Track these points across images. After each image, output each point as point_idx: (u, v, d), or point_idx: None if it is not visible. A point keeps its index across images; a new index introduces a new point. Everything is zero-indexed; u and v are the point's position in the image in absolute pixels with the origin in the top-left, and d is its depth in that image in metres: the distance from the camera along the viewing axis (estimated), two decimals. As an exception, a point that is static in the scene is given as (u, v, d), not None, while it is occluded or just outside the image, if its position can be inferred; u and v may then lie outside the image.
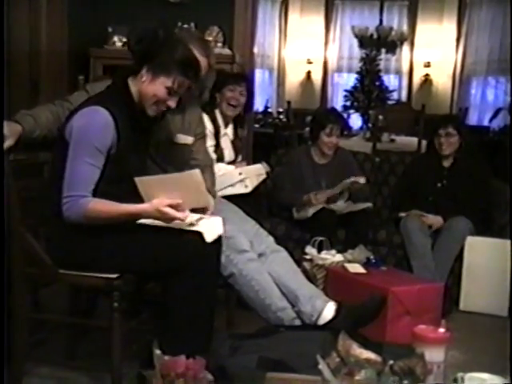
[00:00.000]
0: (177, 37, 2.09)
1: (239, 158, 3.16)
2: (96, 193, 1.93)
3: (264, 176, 3.09)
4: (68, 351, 2.31)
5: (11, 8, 3.22)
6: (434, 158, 3.47)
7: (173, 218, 1.91)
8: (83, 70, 3.90)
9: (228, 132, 3.09)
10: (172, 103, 2.02)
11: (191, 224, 2.00)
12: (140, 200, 1.96)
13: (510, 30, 6.03)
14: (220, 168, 2.94)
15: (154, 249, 1.97)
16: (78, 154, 1.90)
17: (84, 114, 1.93)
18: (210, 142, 2.91)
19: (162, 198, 1.90)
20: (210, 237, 1.97)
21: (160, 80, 1.97)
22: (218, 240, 2.05)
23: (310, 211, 3.27)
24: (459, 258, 3.21)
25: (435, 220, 3.30)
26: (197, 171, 1.95)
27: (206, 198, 2.02)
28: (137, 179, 1.92)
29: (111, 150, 1.94)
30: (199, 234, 1.96)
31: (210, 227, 1.99)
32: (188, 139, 2.43)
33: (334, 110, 4.54)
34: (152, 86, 1.97)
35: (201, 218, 2.02)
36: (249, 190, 2.93)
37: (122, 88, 2.01)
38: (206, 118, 2.89)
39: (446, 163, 3.45)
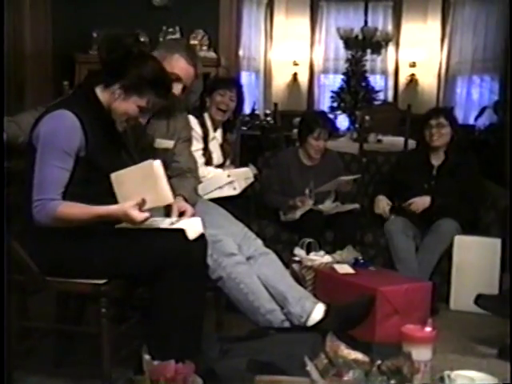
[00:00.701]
0: (149, 52, 2.09)
1: (228, 162, 3.16)
2: (67, 195, 1.93)
3: (252, 179, 3.10)
4: (57, 358, 2.29)
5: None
6: (423, 156, 3.39)
7: (137, 222, 1.90)
8: (68, 75, 3.89)
9: (217, 136, 3.09)
10: (143, 120, 2.08)
11: (171, 223, 2.03)
12: (112, 201, 1.96)
13: (510, 30, 6.05)
14: (209, 171, 2.94)
15: (138, 251, 1.97)
16: (46, 158, 1.90)
17: (50, 118, 1.93)
18: (199, 146, 2.91)
19: (132, 195, 1.90)
20: (192, 234, 1.98)
21: (132, 99, 1.99)
22: (203, 239, 2.06)
23: (298, 213, 3.28)
24: (448, 256, 3.23)
25: (422, 202, 3.26)
26: (157, 161, 1.92)
27: (164, 193, 1.93)
28: (112, 175, 1.93)
29: (80, 152, 1.94)
30: (182, 234, 1.97)
31: (191, 225, 2.01)
32: (169, 143, 2.43)
33: (322, 113, 4.52)
34: (124, 104, 1.99)
35: (180, 219, 2.06)
36: (237, 192, 2.94)
37: (90, 94, 2.01)
38: (194, 122, 2.90)
39: (435, 161, 3.37)
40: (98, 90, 2.02)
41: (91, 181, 1.97)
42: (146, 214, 1.91)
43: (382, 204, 3.37)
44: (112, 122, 2.04)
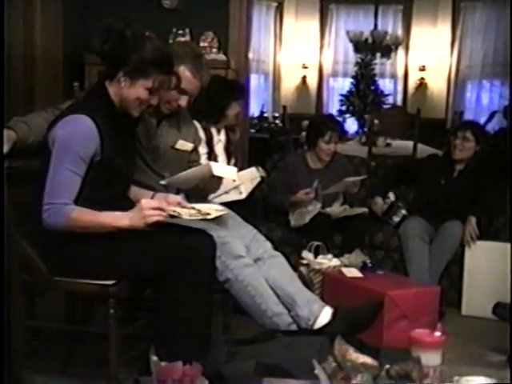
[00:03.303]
0: (142, 33, 2.06)
1: (232, 162, 3.16)
2: (81, 199, 1.92)
3: (258, 179, 3.09)
4: (64, 359, 2.30)
5: (5, 14, 3.22)
6: (447, 159, 3.46)
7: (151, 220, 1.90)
8: (78, 77, 3.90)
9: (221, 138, 3.11)
10: (154, 101, 2.05)
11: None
12: (126, 204, 1.96)
13: (510, 32, 6.03)
14: None
15: (147, 252, 1.97)
16: (61, 162, 1.90)
17: (67, 122, 1.92)
18: (203, 150, 2.92)
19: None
20: (217, 170, 2.09)
21: (139, 83, 1.98)
22: (212, 241, 2.06)
23: (307, 218, 3.27)
24: (458, 261, 3.21)
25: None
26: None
27: None
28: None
29: (95, 157, 1.94)
30: (191, 236, 1.96)
31: (222, 166, 2.16)
32: (189, 146, 2.47)
33: (331, 116, 4.54)
34: (133, 90, 1.98)
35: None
36: (243, 196, 2.93)
37: (102, 93, 2.01)
38: (197, 126, 2.90)
39: (459, 166, 3.44)
40: (107, 84, 2.01)
41: (106, 184, 1.97)
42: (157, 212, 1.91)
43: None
44: (125, 116, 2.03)
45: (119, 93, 1.99)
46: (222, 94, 2.99)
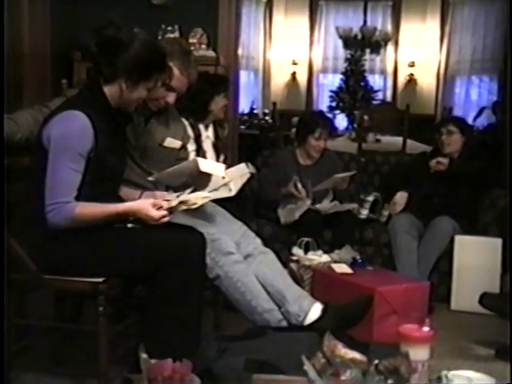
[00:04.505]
0: (136, 33, 2.03)
1: (221, 158, 3.16)
2: (77, 196, 1.92)
3: (248, 175, 3.08)
4: (54, 357, 2.30)
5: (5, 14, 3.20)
6: (435, 156, 3.46)
7: (155, 220, 1.93)
8: (67, 74, 3.88)
9: (209, 134, 3.10)
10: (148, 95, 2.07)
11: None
12: (117, 201, 1.96)
13: (510, 30, 6.04)
14: None
15: (137, 249, 1.98)
16: (60, 160, 1.89)
17: (62, 118, 1.91)
18: (192, 147, 2.91)
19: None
20: (204, 165, 2.12)
21: (141, 85, 2.00)
22: (202, 238, 2.06)
23: (297, 214, 3.28)
24: (448, 256, 3.23)
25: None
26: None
27: None
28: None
29: (90, 153, 1.94)
30: (181, 233, 1.96)
31: (209, 162, 2.16)
32: (178, 143, 2.46)
33: (321, 113, 4.56)
34: (135, 92, 2.00)
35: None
36: (233, 193, 2.93)
37: (96, 90, 1.99)
38: (185, 123, 2.89)
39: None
40: (102, 84, 1.99)
41: (98, 181, 1.97)
42: (164, 213, 1.93)
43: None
44: (118, 113, 2.02)
45: (118, 95, 1.99)
46: (203, 89, 2.97)
